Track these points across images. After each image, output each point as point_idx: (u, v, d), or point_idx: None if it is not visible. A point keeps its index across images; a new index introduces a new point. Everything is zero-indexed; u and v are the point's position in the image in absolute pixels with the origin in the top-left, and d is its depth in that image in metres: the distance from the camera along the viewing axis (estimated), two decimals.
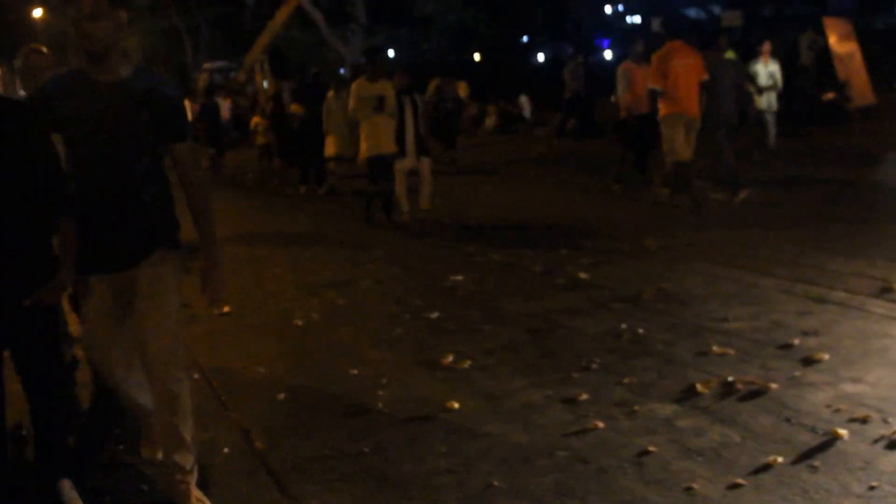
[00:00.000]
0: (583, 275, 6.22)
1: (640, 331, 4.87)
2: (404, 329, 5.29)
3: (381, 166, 8.90)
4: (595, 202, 9.73)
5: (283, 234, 9.36)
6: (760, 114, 11.31)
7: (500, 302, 5.75)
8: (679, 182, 8.67)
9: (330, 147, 12.95)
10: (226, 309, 5.86)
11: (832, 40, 15.41)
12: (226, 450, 3.72)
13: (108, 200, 2.99)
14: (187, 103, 20.15)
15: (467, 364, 4.53)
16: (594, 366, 4.39)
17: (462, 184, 11.71)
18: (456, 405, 3.95)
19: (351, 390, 4.31)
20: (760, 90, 11.29)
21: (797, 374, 4.08)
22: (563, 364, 4.45)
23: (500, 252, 7.25)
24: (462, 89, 21.76)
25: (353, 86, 9.20)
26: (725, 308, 5.19)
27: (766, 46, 11.65)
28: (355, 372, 4.55)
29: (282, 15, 23.26)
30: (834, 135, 13.65)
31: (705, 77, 8.55)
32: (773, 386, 3.92)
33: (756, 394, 3.87)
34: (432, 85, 16.50)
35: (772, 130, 11.66)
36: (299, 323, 5.59)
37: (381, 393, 4.21)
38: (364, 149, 8.99)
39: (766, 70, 11.48)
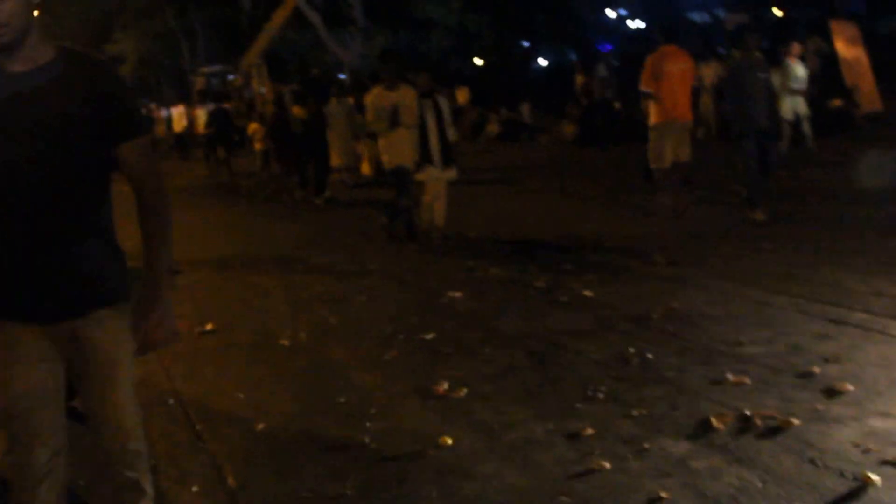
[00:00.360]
0: (588, 292, 5.90)
1: (650, 355, 4.54)
2: (398, 351, 4.97)
3: (403, 178, 8.04)
4: (601, 213, 9.42)
5: (275, 245, 9.02)
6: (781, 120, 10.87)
7: (500, 321, 5.43)
8: (669, 185, 8.62)
9: (334, 157, 12.61)
10: (208, 326, 5.55)
11: (839, 44, 15.10)
12: (195, 488, 3.41)
13: (30, 229, 2.29)
14: (183, 108, 19.97)
15: (463, 392, 4.21)
16: (600, 395, 4.07)
17: (462, 193, 11.37)
18: (449, 441, 3.63)
19: (336, 421, 3.99)
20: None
21: (820, 407, 3.76)
22: (566, 392, 4.13)
23: (500, 267, 6.93)
24: (462, 95, 21.48)
25: (369, 96, 8.30)
26: (739, 330, 4.87)
27: (795, 48, 11.19)
28: (342, 400, 4.23)
29: (279, 17, 22.98)
30: (841, 143, 13.33)
31: (696, 82, 8.53)
32: (795, 421, 3.59)
33: (776, 430, 3.55)
34: None
35: (784, 141, 11.25)
36: (286, 343, 5.27)
37: (368, 425, 3.88)
38: (384, 161, 8.32)
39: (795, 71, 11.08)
